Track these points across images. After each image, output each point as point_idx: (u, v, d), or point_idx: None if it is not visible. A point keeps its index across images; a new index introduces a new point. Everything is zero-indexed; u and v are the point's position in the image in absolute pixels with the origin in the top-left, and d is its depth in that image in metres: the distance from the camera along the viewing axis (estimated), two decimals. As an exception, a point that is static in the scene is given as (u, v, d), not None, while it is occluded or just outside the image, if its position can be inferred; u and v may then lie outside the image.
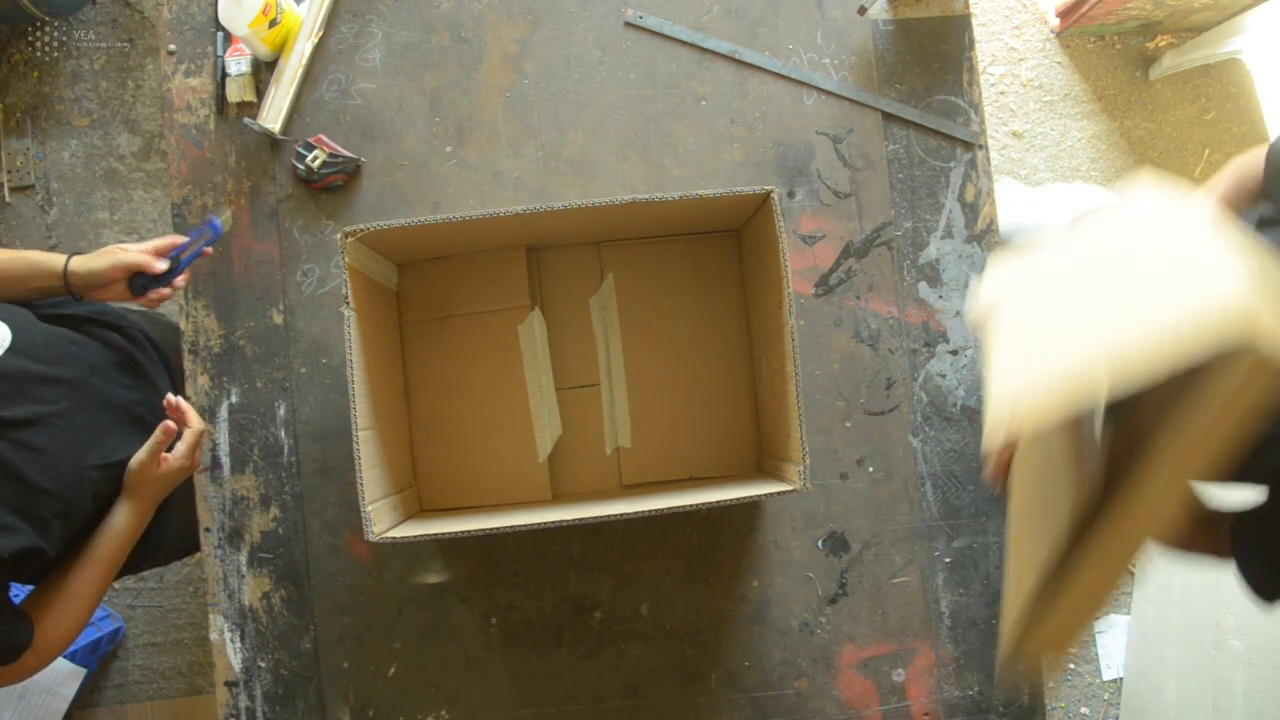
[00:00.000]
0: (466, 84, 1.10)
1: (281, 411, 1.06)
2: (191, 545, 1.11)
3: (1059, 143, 2.01)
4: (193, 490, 1.05)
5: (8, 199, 1.94)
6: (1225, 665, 1.48)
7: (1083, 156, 2.01)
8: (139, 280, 0.96)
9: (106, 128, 1.96)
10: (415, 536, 0.85)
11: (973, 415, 1.09)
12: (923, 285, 1.10)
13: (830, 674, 1.06)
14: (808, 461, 0.85)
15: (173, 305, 1.01)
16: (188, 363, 1.06)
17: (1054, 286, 0.67)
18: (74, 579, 0.90)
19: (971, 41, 1.12)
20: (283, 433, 1.06)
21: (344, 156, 1.07)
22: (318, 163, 1.06)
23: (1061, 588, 0.64)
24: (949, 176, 1.11)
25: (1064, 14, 1.95)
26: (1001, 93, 2.00)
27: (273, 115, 1.07)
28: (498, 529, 0.84)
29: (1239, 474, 0.71)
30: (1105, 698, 1.89)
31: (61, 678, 1.69)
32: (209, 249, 1.00)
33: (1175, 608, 1.66)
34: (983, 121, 1.11)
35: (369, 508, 0.84)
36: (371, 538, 0.83)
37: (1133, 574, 1.86)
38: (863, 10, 1.09)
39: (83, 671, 1.71)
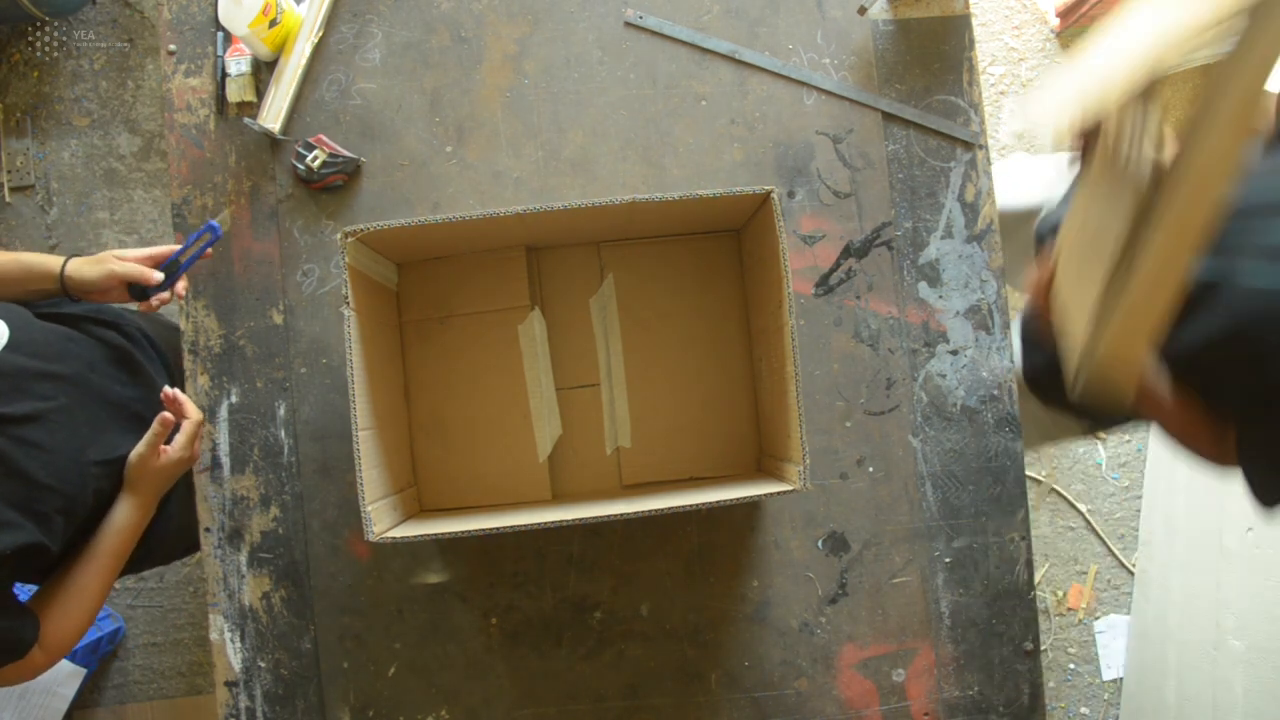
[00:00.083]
0: (466, 84, 1.10)
1: (281, 411, 1.06)
2: (192, 545, 1.11)
3: (1059, 143, 2.01)
4: (193, 489, 1.05)
5: (8, 199, 1.94)
6: (1225, 665, 1.48)
7: (1083, 156, 2.01)
8: (138, 285, 0.96)
9: (106, 128, 1.96)
10: (415, 536, 0.85)
11: (973, 415, 1.09)
12: (923, 285, 1.10)
13: (830, 674, 1.06)
14: (808, 461, 0.85)
15: (173, 305, 1.01)
16: (188, 363, 1.06)
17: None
18: (79, 576, 0.90)
19: (971, 41, 1.12)
20: (283, 433, 1.06)
21: (344, 156, 1.07)
22: (318, 163, 1.06)
23: (1124, 287, 0.65)
24: (949, 176, 1.11)
25: (1064, 14, 1.95)
26: (1001, 93, 2.00)
27: (273, 115, 1.07)
28: (498, 529, 0.84)
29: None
30: (1105, 698, 1.89)
31: (61, 678, 1.69)
32: (210, 251, 1.01)
33: (1175, 608, 1.66)
34: (983, 121, 1.11)
35: (369, 508, 0.84)
36: (371, 538, 0.83)
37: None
38: (863, 10, 1.09)
39: (83, 671, 1.72)
